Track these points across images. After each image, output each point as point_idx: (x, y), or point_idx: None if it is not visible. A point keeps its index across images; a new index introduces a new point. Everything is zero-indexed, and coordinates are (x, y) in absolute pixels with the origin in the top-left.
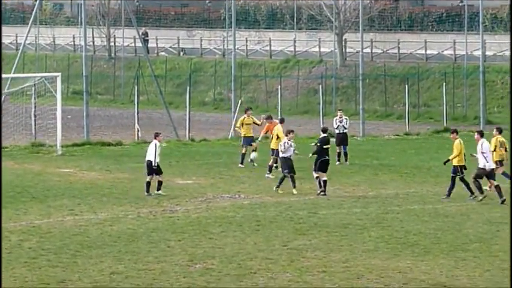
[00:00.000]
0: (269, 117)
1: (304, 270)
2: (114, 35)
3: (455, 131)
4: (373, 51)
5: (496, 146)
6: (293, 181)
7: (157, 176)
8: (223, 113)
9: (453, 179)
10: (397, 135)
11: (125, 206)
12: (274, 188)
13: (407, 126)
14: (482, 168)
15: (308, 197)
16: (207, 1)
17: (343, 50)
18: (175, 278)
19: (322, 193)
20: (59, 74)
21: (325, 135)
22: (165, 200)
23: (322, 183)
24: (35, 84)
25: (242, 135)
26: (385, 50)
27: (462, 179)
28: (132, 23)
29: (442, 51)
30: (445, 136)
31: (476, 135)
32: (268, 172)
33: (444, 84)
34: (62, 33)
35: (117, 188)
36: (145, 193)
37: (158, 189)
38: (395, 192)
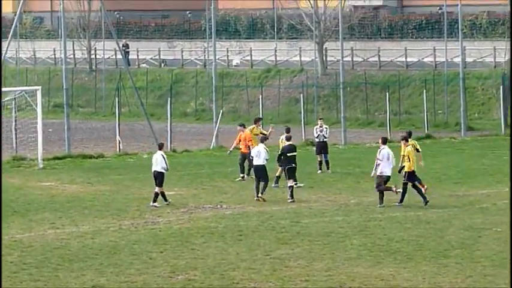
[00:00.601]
0: (242, 125)
1: (287, 279)
2: (95, 48)
3: (406, 139)
4: (354, 59)
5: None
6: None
7: (159, 188)
8: (205, 123)
9: (406, 185)
10: (378, 143)
11: (107, 219)
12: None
13: (389, 134)
14: (379, 176)
15: (290, 206)
16: (188, 12)
17: (324, 59)
18: None
19: (291, 199)
20: (39, 87)
21: (289, 142)
22: (147, 211)
23: (288, 189)
24: (15, 98)
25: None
26: (365, 58)
27: (414, 186)
28: (112, 35)
29: (423, 59)
30: (427, 143)
31: (380, 142)
32: (275, 183)
33: (425, 91)
34: (43, 47)
35: (99, 200)
36: (165, 203)
37: (154, 201)
38: (377, 199)
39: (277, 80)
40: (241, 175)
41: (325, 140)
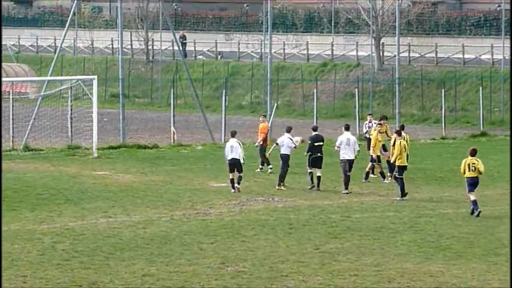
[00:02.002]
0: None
1: (336, 273)
2: (153, 39)
3: (399, 132)
4: (411, 55)
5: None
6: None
7: (239, 173)
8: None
9: (398, 179)
10: (434, 139)
11: (159, 209)
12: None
13: (443, 130)
14: (341, 160)
15: (341, 200)
16: (245, 5)
17: (381, 54)
18: (206, 281)
19: (314, 188)
20: (95, 76)
21: (316, 133)
22: (199, 203)
23: (316, 179)
24: (71, 87)
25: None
26: (422, 54)
27: (397, 178)
28: (170, 27)
29: (480, 56)
30: (482, 140)
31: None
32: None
33: (481, 88)
34: (101, 37)
35: (152, 190)
36: (232, 190)
37: (238, 183)
38: (429, 196)
39: (332, 75)
40: (260, 167)
41: None
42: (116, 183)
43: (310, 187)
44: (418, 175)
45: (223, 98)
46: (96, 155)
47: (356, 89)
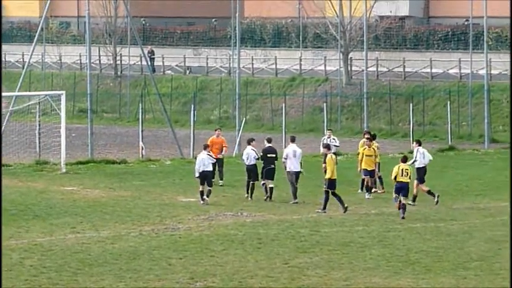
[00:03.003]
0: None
1: None
2: (121, 54)
3: (327, 146)
4: (379, 69)
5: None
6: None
7: (209, 186)
8: (228, 131)
9: (327, 192)
10: (402, 153)
11: (128, 224)
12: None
13: (411, 145)
14: (288, 172)
15: (310, 215)
16: (213, 19)
17: (349, 69)
18: None
19: (268, 199)
20: (63, 92)
21: (270, 145)
22: (168, 217)
23: (268, 190)
24: (39, 102)
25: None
26: (390, 68)
27: (333, 194)
28: (138, 42)
29: (448, 70)
30: (450, 154)
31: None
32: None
33: (449, 102)
34: (69, 52)
35: (120, 206)
36: (201, 201)
37: (208, 196)
38: (398, 210)
39: (301, 89)
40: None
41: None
42: (84, 198)
43: (264, 198)
44: (386, 189)
45: (192, 112)
46: (64, 170)
47: (324, 104)
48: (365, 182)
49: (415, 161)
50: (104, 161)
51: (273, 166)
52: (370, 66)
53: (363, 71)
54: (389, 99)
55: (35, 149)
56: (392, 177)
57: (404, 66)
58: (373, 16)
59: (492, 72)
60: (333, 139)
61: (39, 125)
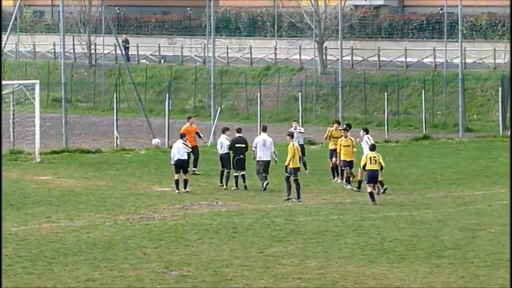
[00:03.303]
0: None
1: (280, 277)
2: (95, 43)
3: (291, 135)
4: (354, 58)
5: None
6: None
7: (185, 175)
8: (203, 120)
9: (287, 180)
10: (377, 142)
11: (102, 213)
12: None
13: (386, 134)
14: (257, 161)
15: (285, 204)
16: (188, 8)
17: (324, 58)
18: (150, 285)
19: (244, 188)
20: (37, 81)
21: (240, 135)
22: (143, 207)
23: (241, 178)
24: (13, 92)
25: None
26: (365, 57)
27: (295, 181)
28: (112, 31)
29: (422, 59)
30: (425, 143)
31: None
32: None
33: (424, 91)
34: (43, 41)
35: (95, 195)
36: (176, 191)
37: (185, 187)
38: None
39: (276, 78)
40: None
41: (301, 142)
42: (58, 188)
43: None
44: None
45: (167, 102)
46: (38, 159)
47: (299, 93)
48: (345, 173)
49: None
50: (79, 151)
51: (242, 156)
52: (345, 56)
53: (337, 60)
54: (364, 89)
55: (9, 139)
56: (361, 165)
57: (379, 56)
58: (348, 5)
59: (466, 61)
60: (300, 130)
61: (13, 115)
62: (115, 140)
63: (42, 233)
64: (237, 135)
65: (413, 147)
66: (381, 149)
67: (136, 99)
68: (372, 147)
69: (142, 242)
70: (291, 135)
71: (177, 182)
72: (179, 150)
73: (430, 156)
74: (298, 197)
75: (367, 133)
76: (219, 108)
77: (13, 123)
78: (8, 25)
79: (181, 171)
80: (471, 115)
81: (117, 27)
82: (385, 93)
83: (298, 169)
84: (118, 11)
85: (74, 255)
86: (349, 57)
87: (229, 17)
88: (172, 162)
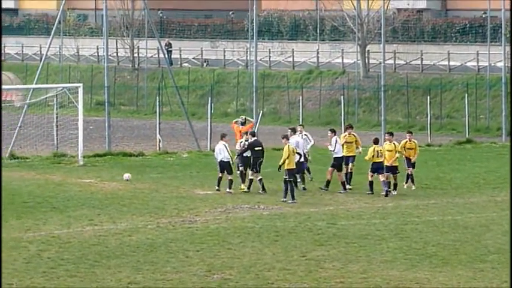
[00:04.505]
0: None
1: (322, 280)
2: (138, 46)
3: (286, 137)
4: (396, 62)
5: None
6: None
7: (229, 175)
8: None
9: (286, 182)
10: (419, 146)
11: (145, 217)
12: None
13: (429, 138)
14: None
15: (327, 208)
16: (231, 12)
17: (366, 61)
18: None
19: (263, 191)
20: (81, 84)
21: (255, 138)
22: (185, 210)
23: (259, 183)
24: (57, 95)
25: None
26: (408, 61)
27: (289, 182)
28: (155, 34)
29: (465, 63)
30: (467, 147)
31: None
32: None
33: (467, 95)
34: (86, 44)
35: (138, 198)
36: (216, 187)
37: (230, 187)
38: (415, 203)
39: (318, 82)
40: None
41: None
42: (101, 191)
43: (260, 190)
44: (404, 182)
45: (209, 105)
46: (81, 162)
47: (342, 96)
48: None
49: (333, 150)
50: (121, 154)
51: (262, 159)
52: (388, 59)
53: (380, 63)
54: (407, 92)
55: (53, 142)
56: (368, 158)
57: (422, 59)
58: (390, 9)
59: (510, 64)
60: (305, 135)
61: (57, 118)
62: (157, 143)
63: (85, 235)
64: (253, 138)
65: (456, 151)
66: (424, 153)
67: (179, 102)
68: (376, 141)
69: (184, 245)
70: (285, 137)
71: (219, 179)
72: (220, 151)
73: (473, 161)
74: (293, 197)
75: (335, 134)
76: (261, 111)
77: (56, 126)
78: (52, 28)
79: (225, 171)
80: None
81: (160, 31)
82: (428, 97)
83: (293, 170)
84: (161, 14)
85: (117, 258)
86: (391, 61)
87: (272, 20)
88: (217, 162)
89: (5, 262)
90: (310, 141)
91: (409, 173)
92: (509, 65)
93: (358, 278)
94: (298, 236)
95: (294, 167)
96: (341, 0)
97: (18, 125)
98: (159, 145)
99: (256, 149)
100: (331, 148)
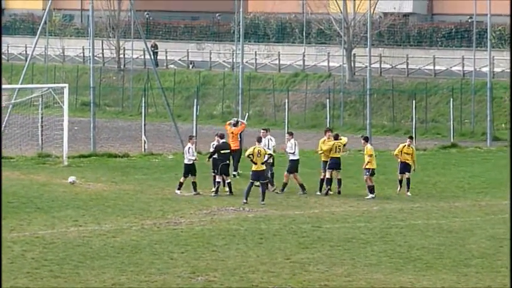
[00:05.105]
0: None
1: (306, 283)
2: (124, 47)
3: (259, 140)
4: (382, 66)
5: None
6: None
7: (192, 177)
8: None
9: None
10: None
11: (129, 218)
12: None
13: (414, 142)
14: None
15: (312, 210)
16: (217, 14)
17: (352, 65)
18: None
19: (229, 193)
20: (66, 85)
21: (223, 140)
22: (170, 212)
23: (227, 186)
24: (42, 95)
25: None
26: (393, 65)
27: (262, 184)
28: (141, 35)
29: (451, 67)
30: (452, 152)
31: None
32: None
33: (452, 100)
34: (72, 45)
35: (122, 199)
36: (177, 191)
37: (195, 190)
38: (400, 207)
39: (304, 85)
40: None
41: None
42: (86, 191)
43: (214, 195)
44: (389, 186)
45: (195, 107)
46: (66, 163)
47: (327, 100)
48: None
49: (292, 153)
50: (106, 155)
51: (228, 162)
52: (374, 63)
53: (366, 67)
54: (392, 96)
55: (37, 142)
56: (327, 150)
57: (407, 63)
58: (376, 13)
59: (495, 69)
60: (270, 139)
61: (42, 118)
62: (143, 144)
63: (69, 236)
64: (221, 141)
65: (441, 155)
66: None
67: (165, 104)
68: (336, 136)
69: (169, 246)
70: (259, 139)
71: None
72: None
73: (458, 165)
74: (263, 199)
75: (292, 136)
76: (247, 114)
77: (41, 126)
78: (38, 28)
79: (189, 174)
80: (499, 124)
81: (146, 32)
82: (413, 101)
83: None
84: (147, 16)
85: (101, 259)
86: (377, 65)
87: (258, 23)
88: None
89: None
90: (273, 144)
91: (406, 178)
92: (494, 70)
93: (342, 281)
94: (282, 239)
95: (260, 168)
96: (327, 1)
97: (3, 124)
98: (144, 146)
99: (222, 151)
100: (290, 150)
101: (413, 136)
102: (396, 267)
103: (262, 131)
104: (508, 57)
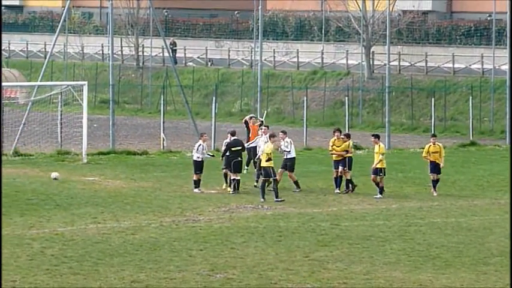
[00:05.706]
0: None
1: (325, 281)
2: (143, 45)
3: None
4: (401, 64)
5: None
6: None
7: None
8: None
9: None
10: (423, 148)
11: (148, 215)
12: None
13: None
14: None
15: (331, 208)
16: (236, 12)
17: (371, 63)
18: (196, 287)
19: (235, 191)
20: (86, 82)
21: (234, 137)
22: (188, 209)
23: (234, 182)
24: (61, 93)
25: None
26: (412, 63)
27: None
28: (160, 33)
29: (470, 65)
30: (471, 150)
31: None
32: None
33: (471, 98)
34: (91, 42)
35: (141, 196)
36: (195, 190)
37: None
38: (419, 205)
39: (323, 83)
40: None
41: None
42: (105, 189)
43: (224, 188)
44: (407, 184)
45: (213, 104)
46: (85, 160)
47: (346, 97)
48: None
49: (289, 151)
50: (125, 152)
51: (240, 159)
52: (392, 61)
53: (385, 65)
54: (411, 94)
55: (57, 139)
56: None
57: (426, 61)
58: (395, 10)
59: None
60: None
61: (61, 115)
62: (161, 142)
63: (88, 233)
64: (232, 138)
65: (460, 153)
66: None
67: (183, 101)
68: (348, 136)
69: (187, 244)
70: (272, 136)
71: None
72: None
73: (477, 163)
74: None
75: (286, 135)
76: (265, 111)
77: (61, 124)
78: (57, 26)
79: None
80: None
81: (165, 30)
82: (432, 99)
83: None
84: (166, 13)
85: (120, 256)
86: (396, 63)
87: (277, 20)
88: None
89: (8, 259)
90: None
91: (434, 179)
92: None
93: (361, 279)
94: (301, 237)
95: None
96: (346, 1)
97: (23, 122)
98: (163, 144)
99: (233, 149)
100: (286, 149)
101: (435, 134)
102: (415, 266)
103: (263, 127)
104: None
